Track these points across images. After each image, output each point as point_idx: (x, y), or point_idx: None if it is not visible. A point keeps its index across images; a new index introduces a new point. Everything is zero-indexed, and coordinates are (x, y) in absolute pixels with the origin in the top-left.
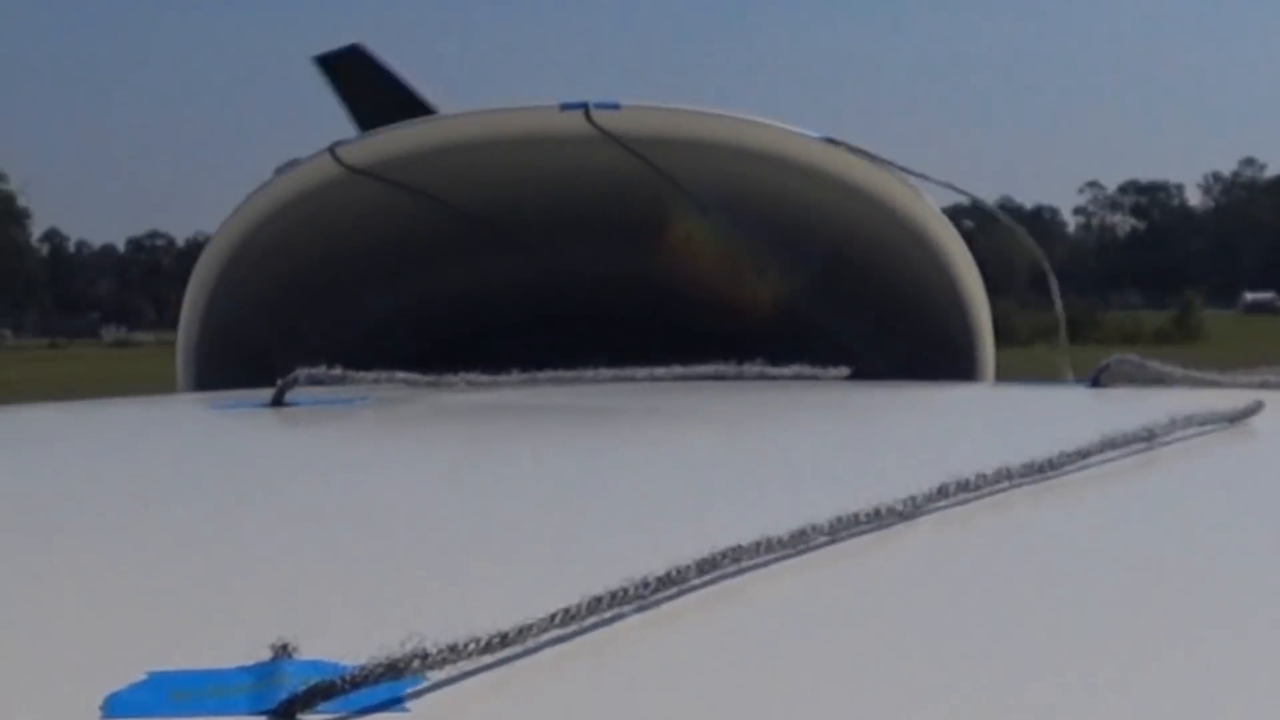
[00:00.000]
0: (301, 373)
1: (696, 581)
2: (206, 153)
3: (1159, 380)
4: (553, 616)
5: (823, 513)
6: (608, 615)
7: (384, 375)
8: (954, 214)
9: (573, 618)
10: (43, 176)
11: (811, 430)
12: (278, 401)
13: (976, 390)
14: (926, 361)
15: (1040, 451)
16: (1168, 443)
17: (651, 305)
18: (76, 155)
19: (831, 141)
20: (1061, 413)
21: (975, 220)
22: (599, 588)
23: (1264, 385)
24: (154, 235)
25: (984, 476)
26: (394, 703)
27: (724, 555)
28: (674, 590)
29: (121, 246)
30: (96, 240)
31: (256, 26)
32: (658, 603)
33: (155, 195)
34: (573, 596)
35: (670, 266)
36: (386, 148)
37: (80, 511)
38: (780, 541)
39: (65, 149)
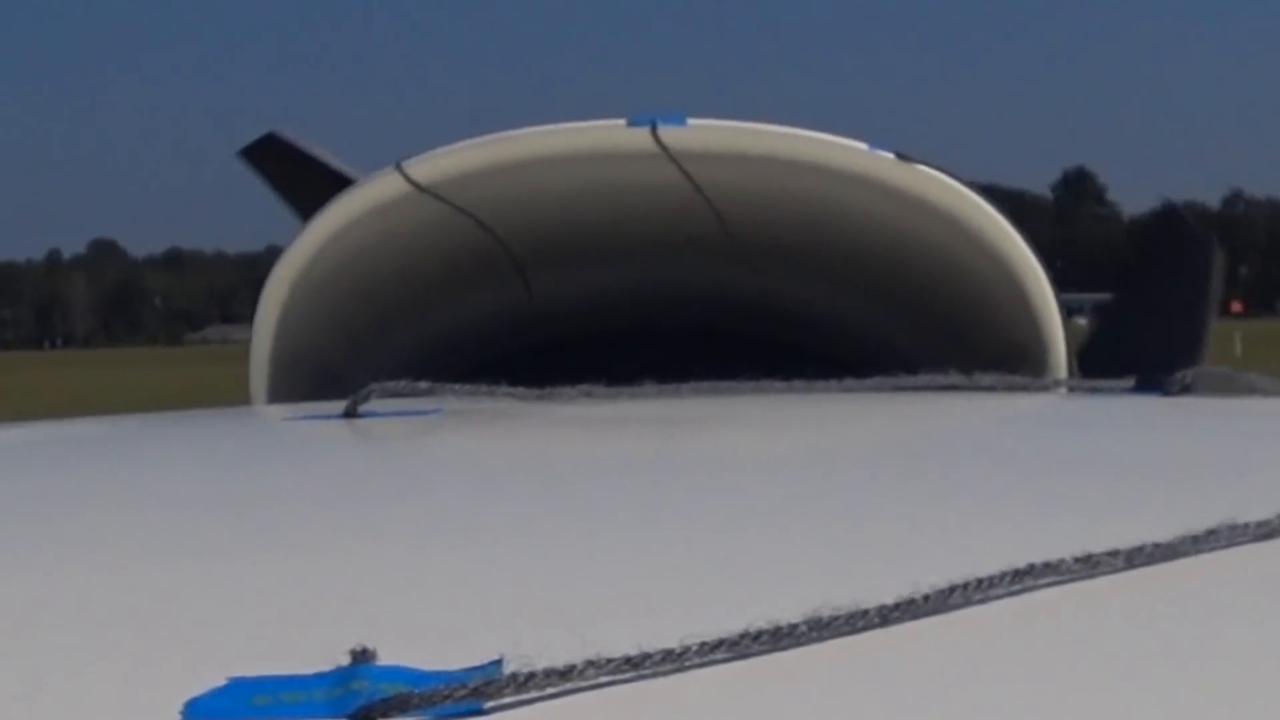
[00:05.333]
0: (376, 386)
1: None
2: None
3: (1243, 390)
4: (703, 646)
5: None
6: (781, 646)
7: (481, 388)
8: None
9: (732, 648)
10: None
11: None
12: (351, 413)
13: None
14: (999, 371)
15: None
16: None
17: (720, 321)
18: None
19: (901, 157)
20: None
21: None
22: (757, 621)
23: None
24: None
25: None
26: (476, 713)
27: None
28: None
29: None
30: None
31: None
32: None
33: None
34: (720, 626)
35: (740, 283)
36: (452, 165)
37: (159, 520)
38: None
39: None
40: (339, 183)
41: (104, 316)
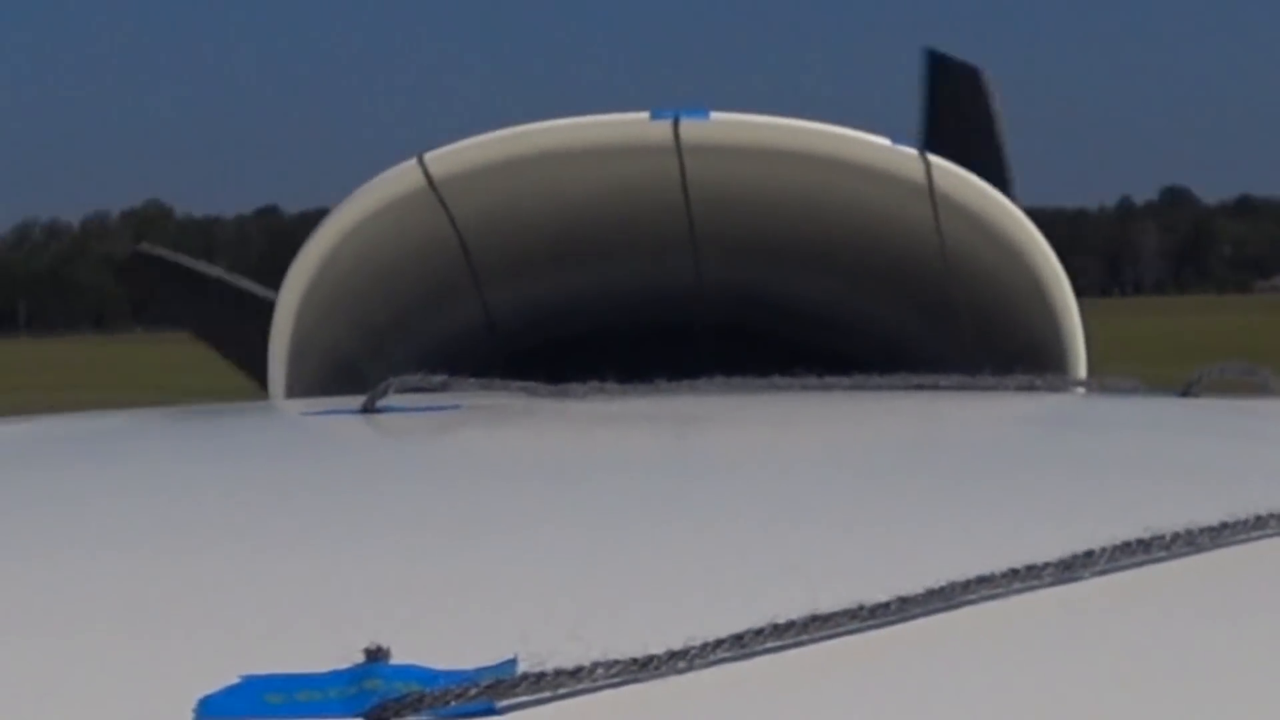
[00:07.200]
0: (393, 380)
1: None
2: None
3: (1261, 389)
4: (713, 644)
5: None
6: (790, 644)
7: (497, 383)
8: None
9: (747, 645)
10: None
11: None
12: (369, 408)
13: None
14: (1017, 371)
15: None
16: None
17: (737, 318)
18: None
19: (924, 155)
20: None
21: None
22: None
23: None
24: None
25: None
26: (489, 713)
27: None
28: (854, 625)
29: None
30: None
31: None
32: (835, 635)
33: None
34: (738, 623)
35: (757, 278)
36: (473, 158)
37: (175, 514)
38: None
39: None
40: (227, 294)
41: (1174, 263)
